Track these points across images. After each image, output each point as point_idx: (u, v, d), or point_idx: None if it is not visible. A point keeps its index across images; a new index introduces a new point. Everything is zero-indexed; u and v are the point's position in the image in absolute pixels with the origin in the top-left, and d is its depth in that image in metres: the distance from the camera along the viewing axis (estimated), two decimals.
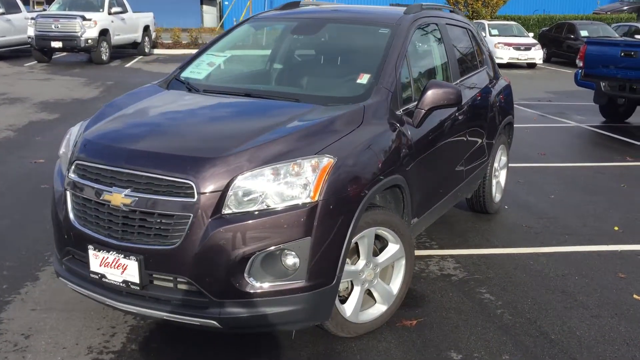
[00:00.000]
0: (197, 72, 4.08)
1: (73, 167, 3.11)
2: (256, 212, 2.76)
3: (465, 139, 4.42)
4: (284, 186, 2.80)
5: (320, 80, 4.04)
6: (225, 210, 2.75)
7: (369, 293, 3.34)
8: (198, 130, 3.23)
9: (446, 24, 4.55)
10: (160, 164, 2.84)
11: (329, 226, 2.84)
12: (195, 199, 2.73)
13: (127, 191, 2.83)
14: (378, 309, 3.37)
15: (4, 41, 17.84)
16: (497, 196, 5.52)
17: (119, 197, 2.83)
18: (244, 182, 2.77)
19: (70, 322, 3.39)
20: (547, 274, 4.22)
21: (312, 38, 4.36)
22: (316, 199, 2.80)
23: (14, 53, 19.07)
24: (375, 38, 3.98)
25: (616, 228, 5.18)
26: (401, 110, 3.54)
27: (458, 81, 4.42)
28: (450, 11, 4.93)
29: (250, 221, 2.74)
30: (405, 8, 4.20)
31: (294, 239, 2.77)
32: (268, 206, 2.77)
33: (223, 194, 2.75)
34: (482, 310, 3.68)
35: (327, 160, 2.88)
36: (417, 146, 3.58)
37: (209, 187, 2.74)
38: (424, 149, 3.69)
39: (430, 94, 3.54)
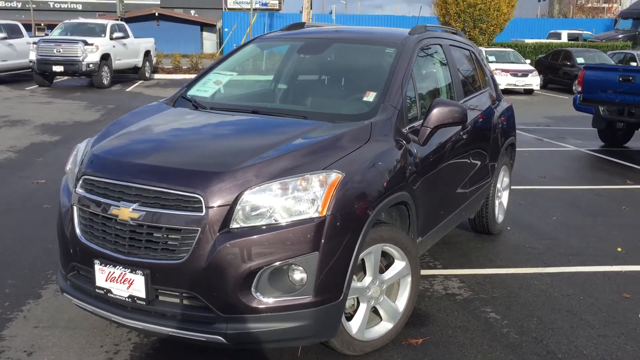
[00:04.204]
0: (203, 90, 4.10)
1: (80, 182, 3.11)
2: (264, 227, 2.76)
3: (469, 159, 4.44)
4: (292, 201, 2.80)
5: (328, 98, 4.07)
6: (233, 225, 2.75)
7: (374, 310, 3.32)
8: (206, 145, 3.24)
9: (450, 45, 4.60)
10: (169, 178, 2.84)
11: (336, 241, 2.84)
12: (203, 213, 2.73)
13: (134, 205, 2.82)
14: (384, 326, 3.35)
15: (6, 65, 17.98)
16: (499, 217, 5.52)
17: (126, 212, 2.82)
18: (252, 196, 2.78)
19: (73, 340, 3.36)
20: (552, 293, 4.21)
21: (319, 57, 4.40)
22: (324, 214, 2.80)
23: (15, 77, 19.18)
24: (381, 57, 4.02)
25: (619, 249, 5.16)
26: (407, 128, 3.56)
27: (462, 101, 4.45)
28: (454, 33, 4.97)
29: (257, 236, 2.73)
30: (409, 29, 4.25)
31: (302, 254, 2.76)
32: (276, 221, 2.77)
33: (231, 208, 2.75)
34: (488, 329, 3.65)
35: (335, 176, 2.88)
36: (423, 164, 3.60)
37: (217, 201, 2.74)
38: (430, 167, 3.70)
39: (436, 112, 3.57)
